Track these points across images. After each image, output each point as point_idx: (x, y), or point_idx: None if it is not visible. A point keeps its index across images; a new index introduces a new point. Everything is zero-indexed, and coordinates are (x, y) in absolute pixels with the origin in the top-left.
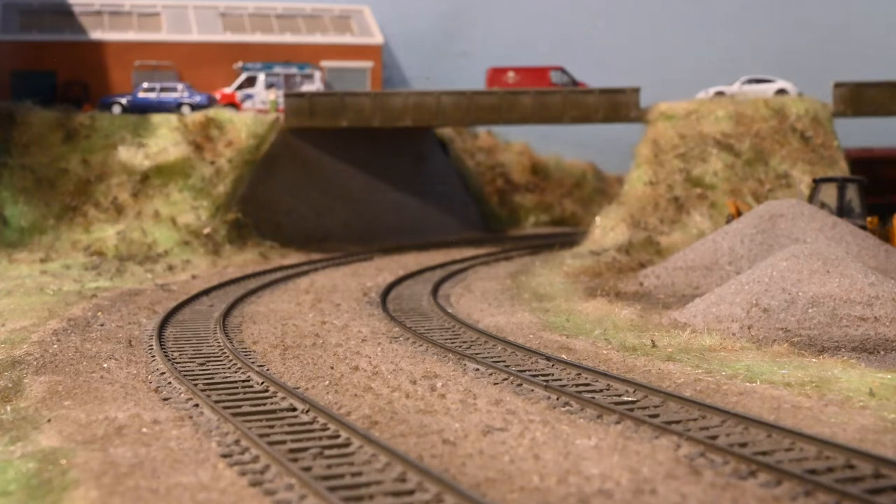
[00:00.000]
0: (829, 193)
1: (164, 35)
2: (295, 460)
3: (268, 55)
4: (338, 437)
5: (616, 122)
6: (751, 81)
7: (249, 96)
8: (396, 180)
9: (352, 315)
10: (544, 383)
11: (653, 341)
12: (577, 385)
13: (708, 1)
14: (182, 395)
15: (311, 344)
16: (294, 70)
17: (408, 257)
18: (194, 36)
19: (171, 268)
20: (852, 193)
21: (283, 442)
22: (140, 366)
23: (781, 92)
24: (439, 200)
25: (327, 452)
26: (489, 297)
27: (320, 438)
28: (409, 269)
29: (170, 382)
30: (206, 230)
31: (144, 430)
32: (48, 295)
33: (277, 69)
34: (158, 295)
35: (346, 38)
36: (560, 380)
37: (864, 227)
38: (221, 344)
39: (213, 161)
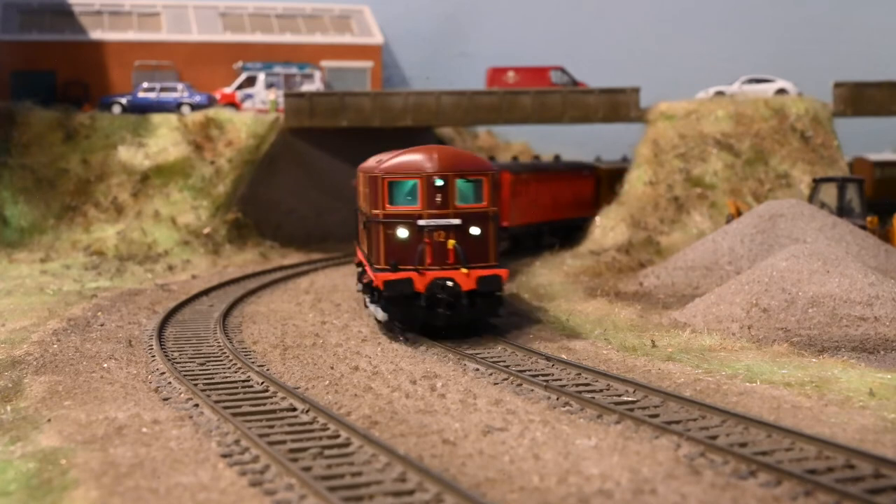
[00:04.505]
0: (829, 193)
1: (164, 35)
2: (295, 460)
3: (268, 55)
4: (338, 437)
5: (616, 121)
6: (751, 81)
7: (249, 96)
8: None
9: (352, 315)
10: (544, 383)
11: (653, 341)
12: (577, 385)
13: (708, 1)
14: (182, 395)
15: (311, 344)
16: (294, 70)
17: None
18: (194, 36)
19: (171, 268)
20: (852, 193)
21: (283, 442)
22: (140, 366)
23: (781, 92)
24: None
25: (327, 452)
26: None
27: (320, 438)
28: None
29: (170, 382)
30: (206, 230)
31: (144, 430)
32: (48, 295)
33: (277, 69)
34: (158, 295)
35: (346, 38)
36: (560, 380)
37: (864, 227)
38: (221, 344)
39: (213, 161)
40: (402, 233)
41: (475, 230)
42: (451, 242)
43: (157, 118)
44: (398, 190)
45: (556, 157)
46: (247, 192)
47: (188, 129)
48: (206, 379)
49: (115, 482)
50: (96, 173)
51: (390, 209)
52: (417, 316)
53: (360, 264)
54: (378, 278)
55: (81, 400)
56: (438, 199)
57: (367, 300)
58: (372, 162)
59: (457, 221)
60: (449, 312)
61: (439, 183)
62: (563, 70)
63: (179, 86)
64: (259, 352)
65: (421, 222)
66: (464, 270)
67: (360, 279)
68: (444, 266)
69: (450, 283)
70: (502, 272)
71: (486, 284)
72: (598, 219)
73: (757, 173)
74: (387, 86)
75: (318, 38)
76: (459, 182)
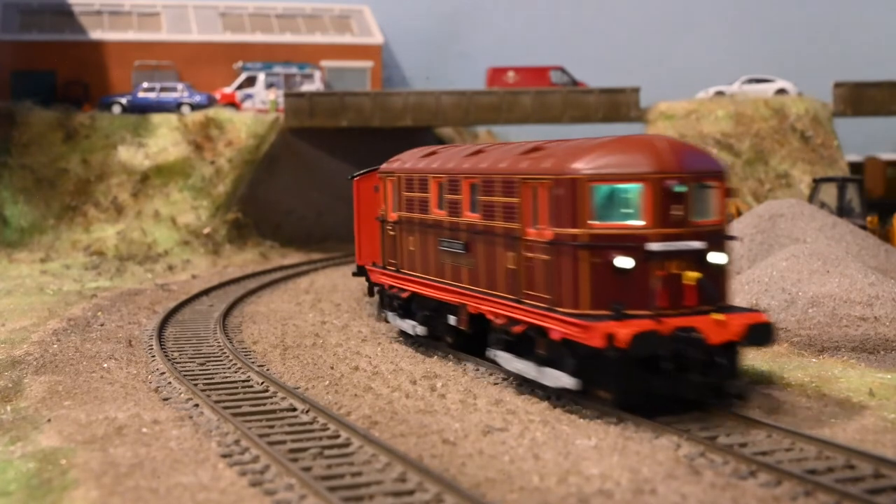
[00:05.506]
0: (829, 193)
1: (164, 35)
2: (295, 460)
3: (268, 55)
4: (338, 437)
5: (616, 121)
6: (751, 81)
7: (249, 96)
8: None
9: (352, 315)
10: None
11: None
12: None
13: (708, 1)
14: (182, 395)
15: (311, 344)
16: (294, 70)
17: None
18: (194, 36)
19: (171, 268)
20: (852, 193)
21: (283, 442)
22: (140, 366)
23: (781, 92)
24: None
25: (327, 452)
26: None
27: (320, 438)
28: None
29: (170, 382)
30: (206, 230)
31: (144, 430)
32: (48, 295)
33: (277, 69)
34: (158, 295)
35: (346, 38)
36: None
37: (864, 227)
38: (221, 344)
39: (213, 161)
40: (624, 262)
41: (718, 257)
42: (693, 275)
43: (157, 118)
44: (610, 200)
45: None
46: (247, 192)
47: (188, 129)
48: (206, 379)
49: (115, 482)
50: (96, 173)
51: (599, 227)
52: (647, 384)
53: (393, 295)
54: (597, 331)
55: (81, 400)
56: (677, 213)
57: (497, 350)
58: (415, 160)
59: (698, 245)
60: (704, 379)
61: (679, 190)
62: (563, 70)
63: (179, 86)
64: (259, 352)
65: (652, 247)
66: (717, 316)
67: (397, 311)
68: (682, 310)
69: (696, 335)
70: (764, 316)
71: (758, 336)
72: None
73: (757, 173)
74: (387, 86)
75: (318, 38)
76: (696, 188)
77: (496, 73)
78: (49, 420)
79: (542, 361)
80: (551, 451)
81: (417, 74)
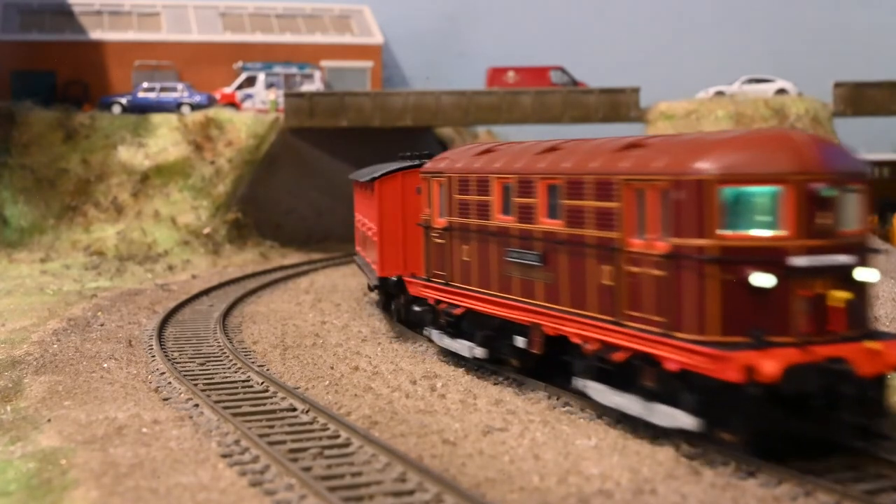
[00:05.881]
0: None
1: (164, 35)
2: (295, 460)
3: (268, 55)
4: (338, 437)
5: (616, 121)
6: (751, 81)
7: (249, 96)
8: None
9: (352, 315)
10: (544, 382)
11: None
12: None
13: (708, 1)
14: (182, 395)
15: (311, 344)
16: (294, 70)
17: None
18: (194, 36)
19: (171, 268)
20: None
21: (283, 442)
22: (140, 366)
23: (781, 92)
24: None
25: (327, 452)
26: None
27: (320, 438)
28: None
29: (170, 382)
30: (206, 230)
31: (144, 430)
32: (48, 295)
33: (277, 69)
34: (158, 295)
35: (346, 38)
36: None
37: None
38: (221, 344)
39: (213, 161)
40: (763, 280)
41: (867, 274)
42: (842, 295)
43: (157, 118)
44: (743, 205)
45: None
46: (247, 192)
47: (188, 129)
48: (206, 379)
49: (115, 482)
50: (96, 173)
51: (731, 238)
52: (786, 425)
53: (441, 311)
54: (733, 362)
55: (81, 400)
56: (823, 221)
57: (588, 381)
58: (469, 158)
59: (847, 259)
60: (856, 418)
61: (828, 194)
62: (563, 70)
63: (179, 86)
64: (259, 352)
65: (795, 261)
66: (871, 344)
67: (445, 330)
68: (828, 336)
69: (848, 367)
70: None
71: None
72: None
73: None
74: (387, 86)
75: (318, 38)
76: (841, 191)
77: (496, 73)
78: (49, 420)
79: (650, 395)
80: (551, 451)
81: (417, 74)
